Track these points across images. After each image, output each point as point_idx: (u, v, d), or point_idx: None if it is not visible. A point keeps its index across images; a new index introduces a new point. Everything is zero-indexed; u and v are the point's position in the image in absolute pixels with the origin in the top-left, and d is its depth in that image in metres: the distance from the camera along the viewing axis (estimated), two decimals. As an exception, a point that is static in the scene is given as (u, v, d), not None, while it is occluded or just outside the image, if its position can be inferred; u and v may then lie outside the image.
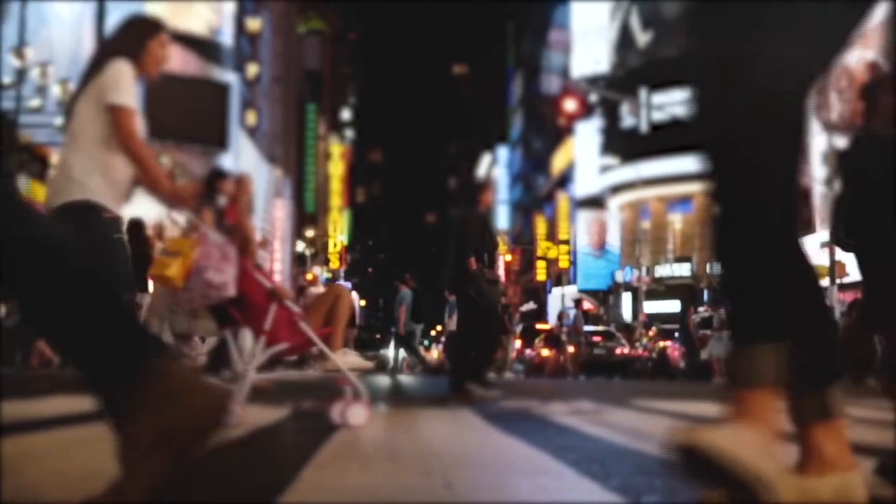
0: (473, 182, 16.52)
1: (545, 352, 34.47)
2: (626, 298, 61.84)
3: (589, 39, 78.21)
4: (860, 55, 43.31)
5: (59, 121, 36.96)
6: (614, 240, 67.58)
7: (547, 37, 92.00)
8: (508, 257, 76.92)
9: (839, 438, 2.41)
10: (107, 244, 5.43)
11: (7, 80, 34.09)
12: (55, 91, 36.46)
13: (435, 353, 45.40)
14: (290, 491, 3.14)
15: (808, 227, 48.75)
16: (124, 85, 5.47)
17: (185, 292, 5.59)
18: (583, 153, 76.67)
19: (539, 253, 79.18)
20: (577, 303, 33.46)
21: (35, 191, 36.02)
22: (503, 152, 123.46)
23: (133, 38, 5.73)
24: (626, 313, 59.57)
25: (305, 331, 5.83)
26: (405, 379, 21.11)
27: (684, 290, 54.81)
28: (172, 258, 5.49)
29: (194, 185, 6.01)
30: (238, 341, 6.07)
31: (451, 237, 11.33)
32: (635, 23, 72.27)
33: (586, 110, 70.38)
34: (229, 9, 75.14)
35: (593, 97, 69.76)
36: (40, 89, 35.38)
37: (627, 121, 68.10)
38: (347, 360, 6.09)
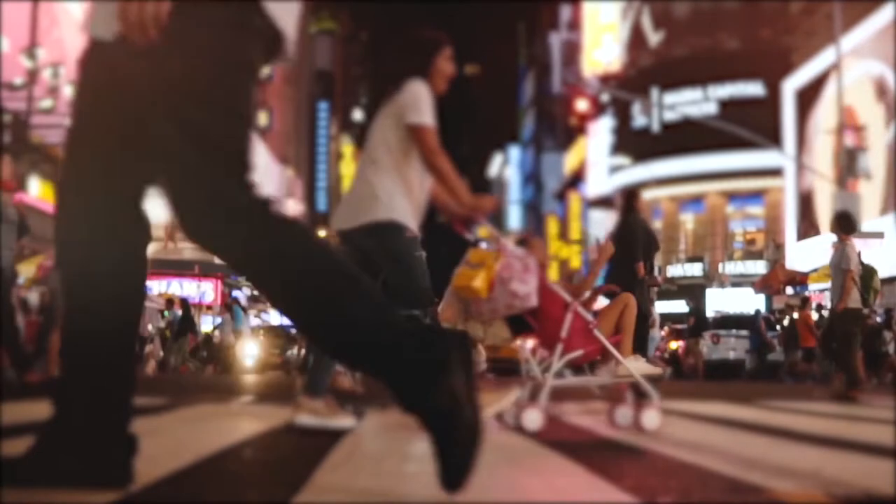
0: (627, 189, 16.89)
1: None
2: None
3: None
4: (864, 65, 43.25)
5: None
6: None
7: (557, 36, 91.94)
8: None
9: None
10: (409, 261, 5.72)
11: (18, 80, 34.09)
12: (67, 92, 36.48)
13: None
14: (303, 491, 3.14)
15: (814, 229, 48.84)
16: (423, 104, 5.71)
17: (488, 302, 5.73)
18: (595, 153, 76.73)
19: (550, 253, 79.33)
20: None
21: (46, 192, 36.06)
22: (515, 152, 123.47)
23: (421, 58, 5.98)
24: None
25: (599, 338, 5.95)
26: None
27: (697, 290, 54.71)
28: (476, 270, 5.66)
29: (493, 198, 6.28)
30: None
31: (617, 243, 11.61)
32: (647, 22, 72.16)
33: (598, 110, 70.52)
34: (240, 9, 75.36)
35: (604, 97, 69.73)
36: (52, 90, 35.40)
37: (639, 120, 68.02)
38: (638, 366, 6.23)
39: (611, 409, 6.09)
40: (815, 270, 35.26)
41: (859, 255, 12.72)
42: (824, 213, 33.28)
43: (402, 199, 5.70)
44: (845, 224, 12.66)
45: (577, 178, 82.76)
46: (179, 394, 9.87)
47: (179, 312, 28.73)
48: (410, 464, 4.05)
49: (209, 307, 48.16)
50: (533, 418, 5.66)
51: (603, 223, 69.98)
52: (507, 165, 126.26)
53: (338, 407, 5.89)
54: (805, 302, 27.63)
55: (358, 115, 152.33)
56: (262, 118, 79.82)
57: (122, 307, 3.10)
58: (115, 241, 3.06)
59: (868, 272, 12.99)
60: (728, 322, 32.74)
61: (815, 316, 27.07)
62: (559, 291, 5.94)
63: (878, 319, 24.16)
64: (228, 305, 28.68)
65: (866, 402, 11.11)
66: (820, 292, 37.76)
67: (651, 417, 5.79)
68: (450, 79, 6.07)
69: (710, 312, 40.97)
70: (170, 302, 28.73)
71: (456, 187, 5.76)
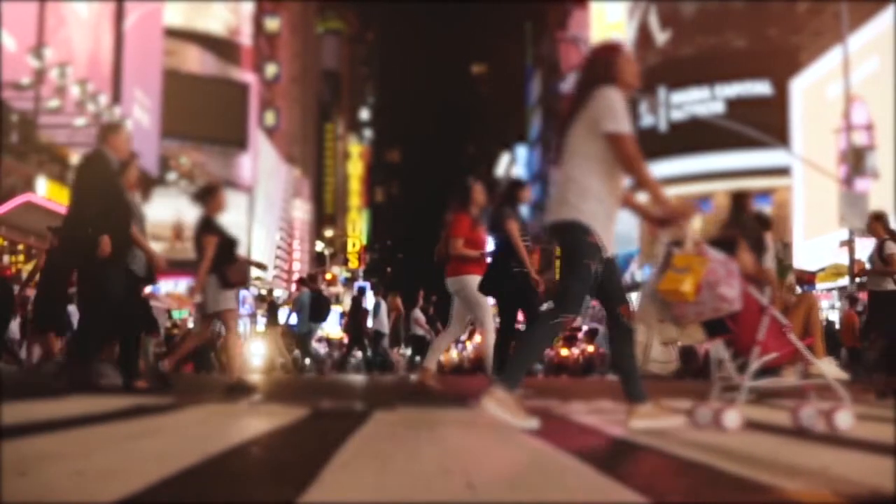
0: (738, 192, 17.11)
1: (564, 351, 34.47)
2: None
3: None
4: (866, 65, 43.18)
5: (78, 121, 37.07)
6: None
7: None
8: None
9: None
10: (576, 263, 5.89)
11: (26, 80, 34.11)
12: (74, 92, 36.51)
13: None
14: (311, 490, 3.13)
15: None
16: (618, 112, 5.85)
17: (694, 306, 5.84)
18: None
19: (558, 252, 79.14)
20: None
21: (54, 192, 36.11)
22: (522, 151, 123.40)
23: (604, 64, 6.12)
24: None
25: (793, 341, 6.03)
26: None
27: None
28: (684, 274, 5.80)
29: (694, 205, 6.50)
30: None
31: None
32: (654, 22, 72.12)
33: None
34: (247, 9, 75.34)
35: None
36: (59, 90, 35.42)
37: (646, 119, 67.94)
38: (830, 369, 6.32)
39: (796, 409, 6.13)
40: (822, 269, 35.24)
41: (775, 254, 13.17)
42: (831, 212, 33.20)
43: (593, 203, 5.86)
44: (761, 222, 13.19)
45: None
46: (186, 393, 9.87)
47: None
48: (417, 463, 4.04)
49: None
50: (733, 418, 5.74)
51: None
52: (514, 165, 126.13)
53: (667, 408, 6.09)
54: (854, 301, 27.31)
55: (365, 114, 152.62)
56: (269, 118, 79.99)
57: None
58: None
59: (781, 270, 13.25)
60: None
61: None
62: (756, 295, 6.01)
63: None
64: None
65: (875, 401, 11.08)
66: (828, 291, 37.75)
67: (844, 418, 5.86)
68: (636, 74, 6.21)
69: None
70: None
71: (658, 193, 5.93)
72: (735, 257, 6.00)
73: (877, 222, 13.06)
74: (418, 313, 27.69)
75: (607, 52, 6.29)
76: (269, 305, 30.65)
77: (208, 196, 10.98)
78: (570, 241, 5.90)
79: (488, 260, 11.24)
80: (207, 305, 11.05)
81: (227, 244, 10.90)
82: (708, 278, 5.73)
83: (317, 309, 25.15)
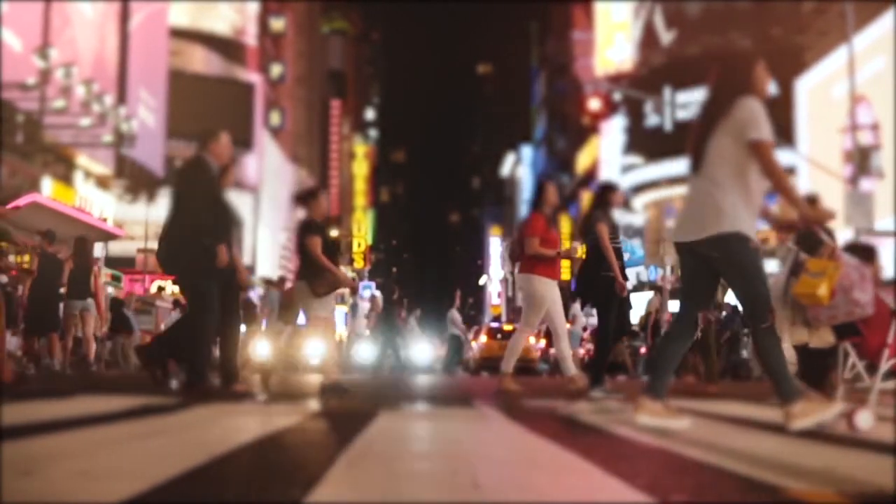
0: (811, 196, 16.81)
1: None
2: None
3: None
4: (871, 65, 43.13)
5: (84, 122, 37.06)
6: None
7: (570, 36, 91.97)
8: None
9: None
10: (753, 271, 6.00)
11: (31, 81, 34.10)
12: (79, 92, 36.49)
13: None
14: (317, 490, 3.13)
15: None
16: (761, 120, 5.97)
17: (827, 310, 6.01)
18: (608, 152, 76.64)
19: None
20: None
21: (59, 192, 36.10)
22: (527, 151, 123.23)
23: (741, 75, 6.26)
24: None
25: None
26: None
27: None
28: (818, 279, 5.97)
29: (831, 211, 6.69)
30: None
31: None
32: (659, 22, 72.10)
33: (610, 109, 70.42)
34: (253, 9, 75.33)
35: (617, 96, 69.67)
36: (64, 90, 35.40)
37: (651, 119, 67.87)
38: None
39: None
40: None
41: None
42: (836, 212, 33.13)
43: (744, 211, 5.96)
44: None
45: (589, 177, 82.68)
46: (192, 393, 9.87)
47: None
48: (422, 464, 4.04)
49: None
50: (866, 419, 5.84)
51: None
52: (519, 165, 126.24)
53: (675, 409, 6.10)
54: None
55: (370, 114, 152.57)
56: (275, 118, 79.94)
57: None
58: None
59: None
60: None
61: None
62: (886, 299, 6.11)
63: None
64: (176, 302, 28.29)
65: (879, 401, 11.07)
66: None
67: None
68: (769, 83, 6.35)
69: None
70: (176, 301, 28.51)
71: (796, 199, 6.09)
72: (869, 263, 6.10)
73: None
74: (455, 314, 27.77)
75: (744, 62, 6.37)
76: (245, 303, 30.62)
77: (311, 199, 11.01)
78: (741, 252, 5.97)
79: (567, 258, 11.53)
80: (303, 310, 11.10)
81: (328, 248, 10.93)
82: (842, 283, 5.88)
83: (286, 309, 25.12)
